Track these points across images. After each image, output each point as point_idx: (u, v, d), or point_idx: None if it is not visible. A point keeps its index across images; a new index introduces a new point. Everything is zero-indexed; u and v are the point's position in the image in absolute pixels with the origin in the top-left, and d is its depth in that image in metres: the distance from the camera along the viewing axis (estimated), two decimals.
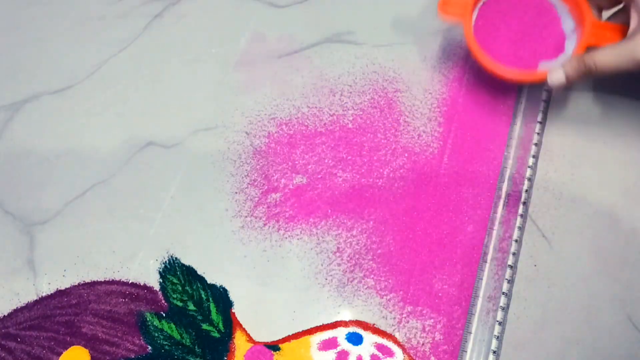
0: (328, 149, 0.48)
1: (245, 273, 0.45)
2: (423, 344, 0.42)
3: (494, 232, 0.45)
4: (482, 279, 0.43)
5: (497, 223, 0.45)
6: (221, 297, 0.44)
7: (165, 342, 0.43)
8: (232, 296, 0.44)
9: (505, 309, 0.43)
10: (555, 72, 0.41)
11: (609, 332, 0.42)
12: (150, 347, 0.43)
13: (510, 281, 0.43)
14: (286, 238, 0.46)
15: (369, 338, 0.43)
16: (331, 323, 0.43)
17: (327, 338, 0.43)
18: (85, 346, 0.43)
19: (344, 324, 0.43)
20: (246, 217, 0.47)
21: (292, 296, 0.44)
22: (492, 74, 0.45)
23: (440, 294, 0.43)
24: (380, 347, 0.42)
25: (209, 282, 0.44)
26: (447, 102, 0.50)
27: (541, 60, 0.45)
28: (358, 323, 0.43)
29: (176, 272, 0.45)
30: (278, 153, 0.49)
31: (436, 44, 0.51)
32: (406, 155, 0.48)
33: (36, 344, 0.43)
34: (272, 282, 0.44)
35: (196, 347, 0.43)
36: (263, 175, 0.48)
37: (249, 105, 0.51)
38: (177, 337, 0.43)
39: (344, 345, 0.42)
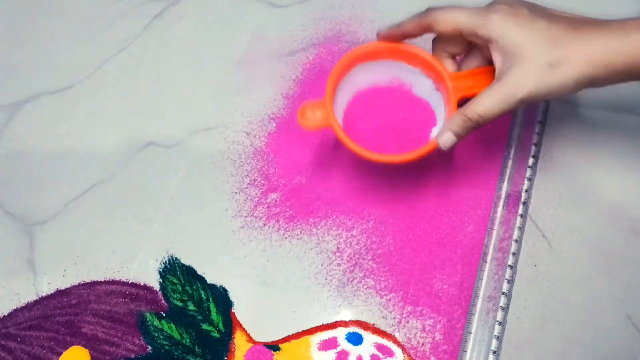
0: (328, 148, 0.48)
1: (245, 273, 0.45)
2: (423, 344, 0.42)
3: (494, 232, 0.45)
4: (482, 278, 0.43)
5: (497, 223, 0.45)
6: (221, 297, 0.44)
7: (165, 342, 0.43)
8: (232, 296, 0.44)
9: (505, 309, 0.43)
10: (443, 135, 0.40)
11: (609, 332, 0.42)
12: (150, 347, 0.43)
13: (510, 281, 0.43)
14: (286, 238, 0.46)
15: (369, 338, 0.43)
16: (331, 323, 0.43)
17: (327, 338, 0.43)
18: (85, 346, 0.43)
19: (344, 324, 0.43)
20: (246, 217, 0.47)
21: (292, 296, 0.44)
22: (388, 164, 0.43)
23: (440, 294, 0.43)
24: (380, 347, 0.42)
25: (209, 282, 0.44)
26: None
27: (430, 129, 0.44)
28: (358, 323, 0.43)
29: (176, 272, 0.45)
30: (278, 153, 0.49)
31: None
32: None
33: (36, 344, 0.43)
34: (272, 282, 0.44)
35: (196, 347, 0.43)
36: (263, 175, 0.48)
37: (249, 105, 0.51)
38: (177, 337, 0.43)
39: (344, 345, 0.42)
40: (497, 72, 0.39)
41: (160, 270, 0.45)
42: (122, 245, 0.46)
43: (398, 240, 0.45)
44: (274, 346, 0.43)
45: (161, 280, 0.44)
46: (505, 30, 0.37)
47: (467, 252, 0.44)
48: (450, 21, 0.39)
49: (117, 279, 0.45)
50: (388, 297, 0.44)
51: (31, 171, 0.49)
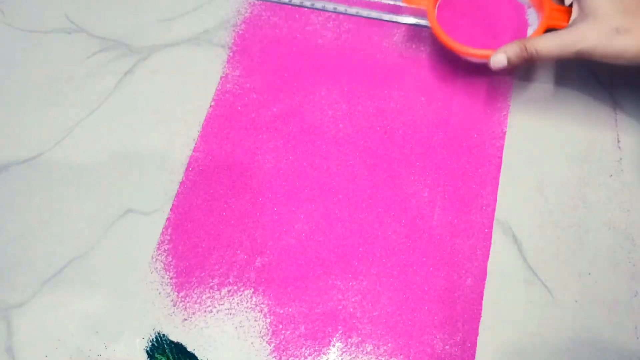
0: (318, 208, 0.47)
1: (238, 346, 0.43)
2: None
3: None
4: None
5: None
6: None
7: None
8: None
9: None
10: (497, 54, 0.43)
11: (612, 336, 0.41)
12: None
13: None
14: (277, 304, 0.44)
15: None
16: None
17: None
18: None
19: None
20: (234, 284, 0.44)
21: None
22: (450, 49, 0.47)
23: (442, 356, 0.42)
24: None
25: (200, 359, 0.42)
26: (434, 149, 0.48)
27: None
28: None
29: (164, 350, 0.42)
30: (264, 214, 0.46)
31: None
32: (396, 209, 0.46)
33: None
34: (267, 353, 0.42)
35: None
36: (250, 239, 0.46)
37: None
38: None
39: None
40: (570, 21, 0.43)
41: (148, 349, 0.43)
42: (105, 324, 0.43)
43: (394, 299, 0.43)
44: None
45: None
46: None
47: (467, 308, 0.43)
48: None
49: None
50: None
51: (3, 250, 0.46)
